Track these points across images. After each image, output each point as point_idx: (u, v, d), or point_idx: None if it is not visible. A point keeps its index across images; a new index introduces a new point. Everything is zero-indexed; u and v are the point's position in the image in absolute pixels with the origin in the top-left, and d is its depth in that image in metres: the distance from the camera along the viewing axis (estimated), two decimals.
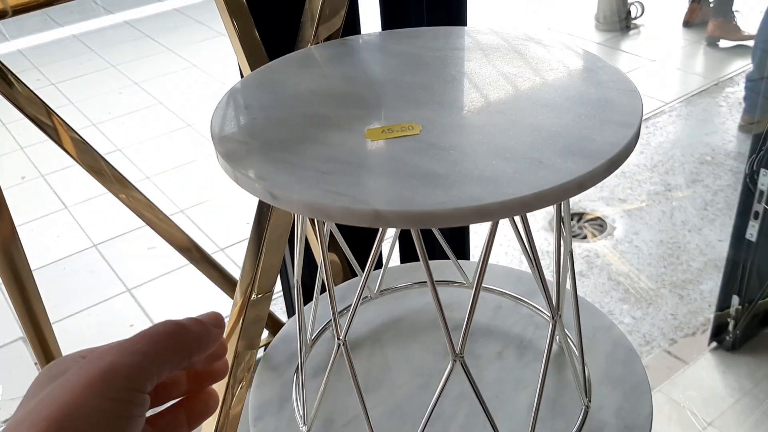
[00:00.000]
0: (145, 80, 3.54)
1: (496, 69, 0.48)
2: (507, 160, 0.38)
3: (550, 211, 2.45)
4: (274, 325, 1.07)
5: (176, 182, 2.67)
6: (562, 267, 0.46)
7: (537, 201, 0.35)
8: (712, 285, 2.12)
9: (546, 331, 0.59)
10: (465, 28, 0.53)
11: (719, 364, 1.90)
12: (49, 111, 0.86)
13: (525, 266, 0.52)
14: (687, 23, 3.69)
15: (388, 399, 0.55)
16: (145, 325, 2.10)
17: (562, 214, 0.43)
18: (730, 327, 1.88)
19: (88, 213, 2.64)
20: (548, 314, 0.54)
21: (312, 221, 0.69)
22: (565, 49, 0.50)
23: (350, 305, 0.66)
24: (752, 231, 1.75)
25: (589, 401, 0.53)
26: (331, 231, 0.60)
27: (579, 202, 2.54)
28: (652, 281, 2.18)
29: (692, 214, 2.44)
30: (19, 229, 0.91)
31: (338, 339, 0.47)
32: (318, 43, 0.60)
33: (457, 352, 0.44)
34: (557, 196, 0.36)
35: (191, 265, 2.34)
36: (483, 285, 0.65)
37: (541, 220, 2.39)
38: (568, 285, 0.53)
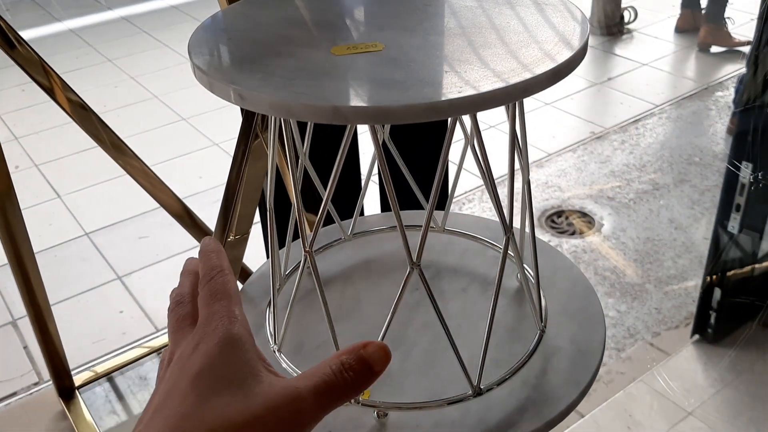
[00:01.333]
0: (141, 75, 3.56)
1: (458, 2, 0.51)
2: (460, 73, 0.41)
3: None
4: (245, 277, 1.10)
5: (171, 175, 2.69)
6: (520, 189, 0.49)
7: (483, 101, 0.38)
8: (696, 281, 2.14)
9: (510, 271, 0.62)
10: None
11: (701, 355, 1.92)
12: (48, 72, 0.89)
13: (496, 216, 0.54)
14: (679, 29, 3.73)
15: (356, 326, 0.58)
16: (135, 312, 2.12)
17: (517, 124, 0.46)
18: (712, 319, 1.91)
19: (80, 202, 2.66)
20: (513, 255, 0.57)
21: (283, 151, 0.71)
22: None
23: (324, 246, 0.69)
24: (734, 224, 1.78)
25: (544, 326, 0.55)
26: (307, 182, 0.62)
27: (568, 199, 2.57)
28: (638, 276, 2.21)
29: (679, 213, 2.47)
30: None
31: (305, 251, 0.49)
32: None
33: (414, 260, 0.46)
34: (502, 97, 0.39)
35: (181, 254, 2.35)
36: (453, 229, 0.67)
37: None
38: (527, 229, 0.56)
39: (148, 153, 2.84)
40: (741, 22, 3.59)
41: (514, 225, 0.52)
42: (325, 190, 0.48)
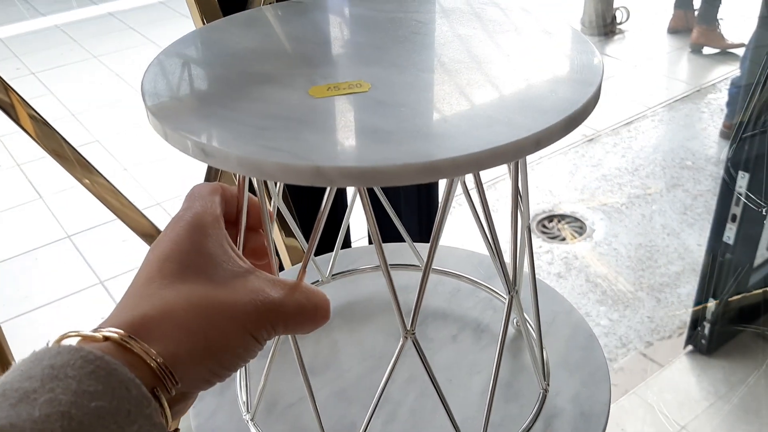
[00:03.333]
0: (127, 71, 3.50)
1: (451, 30, 0.46)
2: (460, 118, 0.36)
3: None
4: None
5: (154, 174, 2.63)
6: (520, 241, 0.44)
7: (491, 158, 0.32)
8: (689, 288, 2.11)
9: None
10: None
11: (694, 367, 1.89)
12: (6, 87, 0.83)
13: (486, 250, 0.49)
14: (672, 29, 3.69)
15: (335, 381, 0.52)
16: None
17: (519, 179, 0.41)
18: (706, 330, 1.87)
19: (62, 204, 2.60)
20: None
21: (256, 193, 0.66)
22: (523, 12, 0.47)
23: None
24: (729, 234, 1.74)
25: (548, 385, 0.50)
26: (284, 211, 0.57)
27: (559, 203, 2.53)
28: (630, 284, 2.17)
29: (672, 218, 2.44)
30: None
31: None
32: (270, 3, 0.58)
33: (408, 328, 0.41)
34: (513, 152, 0.33)
35: None
36: (441, 269, 0.62)
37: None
38: (527, 267, 0.51)
39: (134, 151, 2.79)
40: (733, 24, 3.56)
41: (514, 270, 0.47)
42: (304, 220, 0.43)
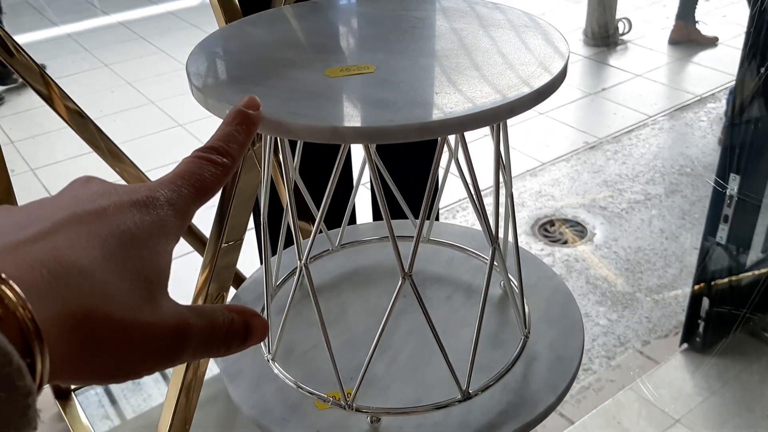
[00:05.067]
0: (138, 80, 3.58)
1: (446, 24, 0.54)
2: (449, 91, 0.44)
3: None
4: (238, 283, 1.12)
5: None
6: (503, 203, 0.51)
7: (473, 120, 0.41)
8: (686, 291, 2.17)
9: (492, 280, 0.64)
10: None
11: (689, 364, 1.95)
12: (46, 80, 0.91)
13: (479, 227, 0.57)
14: (673, 40, 3.77)
15: (343, 333, 0.60)
16: None
17: (501, 143, 0.49)
18: (701, 329, 1.93)
19: None
20: (498, 264, 0.59)
21: (278, 166, 0.74)
22: (518, 12, 0.55)
23: (314, 256, 0.71)
24: (722, 234, 1.81)
25: (528, 332, 0.57)
26: (297, 192, 0.65)
27: (561, 208, 2.59)
28: (629, 286, 2.23)
29: (670, 223, 2.50)
30: None
31: (301, 264, 0.51)
32: (289, 3, 0.66)
33: (406, 270, 0.48)
34: (490, 117, 0.41)
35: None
36: (438, 239, 0.70)
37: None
38: (511, 235, 0.58)
39: (144, 159, 2.84)
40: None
41: (499, 236, 0.54)
42: (317, 202, 0.51)
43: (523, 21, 0.54)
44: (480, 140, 2.86)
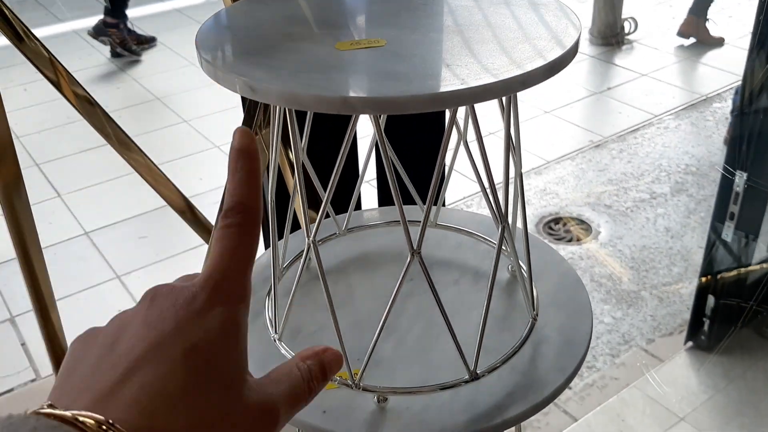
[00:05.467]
0: (143, 77, 3.59)
1: (454, 2, 0.53)
2: (460, 67, 0.43)
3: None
4: None
5: (171, 176, 2.70)
6: (513, 181, 0.50)
7: (484, 92, 0.40)
8: (691, 289, 2.16)
9: (500, 264, 0.64)
10: None
11: (694, 362, 1.94)
12: (56, 66, 0.91)
13: (487, 211, 0.56)
14: (681, 33, 3.77)
15: (350, 315, 0.59)
16: None
17: (511, 118, 0.48)
18: (706, 327, 1.93)
19: (80, 201, 2.67)
20: (507, 246, 0.59)
21: (285, 147, 0.73)
22: None
23: (321, 240, 0.71)
24: (727, 231, 1.80)
25: (536, 315, 0.57)
26: (306, 179, 0.64)
27: (566, 206, 2.59)
28: (634, 284, 2.23)
29: (675, 222, 2.49)
30: None
31: (309, 241, 0.51)
32: None
33: (415, 248, 0.48)
34: (502, 89, 0.41)
35: (180, 255, 2.36)
36: (446, 224, 0.69)
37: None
38: (520, 218, 0.58)
39: (149, 154, 2.85)
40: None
41: (508, 217, 0.54)
42: (324, 184, 0.50)
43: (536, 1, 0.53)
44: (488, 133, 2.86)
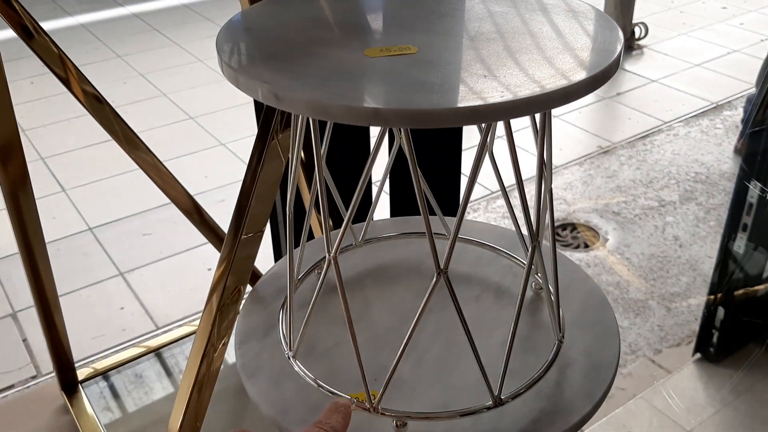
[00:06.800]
0: (150, 72, 3.57)
1: (486, 8, 0.51)
2: (497, 77, 0.41)
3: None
4: (253, 281, 1.09)
5: (177, 173, 2.68)
6: (543, 197, 0.48)
7: (525, 106, 0.38)
8: (700, 299, 2.14)
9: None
10: None
11: (702, 374, 1.91)
12: (65, 63, 0.89)
13: (509, 225, 0.54)
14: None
15: (366, 331, 0.57)
16: (136, 309, 2.12)
17: (545, 139, 0.46)
18: (714, 339, 1.90)
19: (85, 197, 2.65)
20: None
21: (304, 164, 0.71)
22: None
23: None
24: (740, 243, 1.78)
25: (563, 337, 0.55)
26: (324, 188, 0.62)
27: (573, 212, 2.56)
28: (641, 293, 2.20)
29: (684, 230, 2.47)
30: None
31: (329, 255, 0.49)
32: None
33: (442, 267, 0.45)
34: (544, 102, 0.38)
35: (185, 252, 2.34)
36: (466, 237, 0.67)
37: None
38: (548, 229, 0.55)
39: (155, 150, 2.83)
40: None
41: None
42: (346, 196, 0.48)
43: (572, 6, 0.51)
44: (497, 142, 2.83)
